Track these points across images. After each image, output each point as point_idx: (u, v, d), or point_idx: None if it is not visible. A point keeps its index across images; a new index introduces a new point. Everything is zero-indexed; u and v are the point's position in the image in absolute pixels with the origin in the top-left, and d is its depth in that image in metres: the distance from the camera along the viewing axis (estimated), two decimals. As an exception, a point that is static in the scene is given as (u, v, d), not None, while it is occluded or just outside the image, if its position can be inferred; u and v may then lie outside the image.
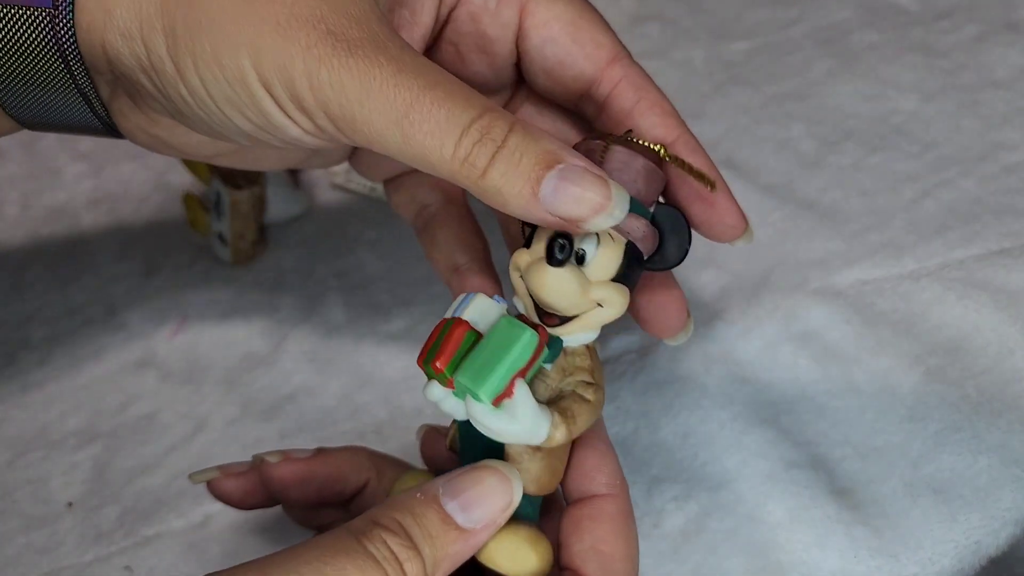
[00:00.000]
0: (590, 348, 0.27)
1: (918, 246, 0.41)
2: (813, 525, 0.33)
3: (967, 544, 0.32)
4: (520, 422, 0.24)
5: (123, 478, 0.38)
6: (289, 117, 0.24)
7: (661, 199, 0.28)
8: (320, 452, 0.31)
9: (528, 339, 0.24)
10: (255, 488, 0.31)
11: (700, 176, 0.27)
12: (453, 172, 0.23)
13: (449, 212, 0.32)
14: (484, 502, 0.24)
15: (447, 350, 0.25)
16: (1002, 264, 0.39)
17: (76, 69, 0.26)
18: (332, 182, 0.50)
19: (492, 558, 0.25)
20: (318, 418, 0.40)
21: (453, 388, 0.25)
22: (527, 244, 0.26)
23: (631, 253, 0.26)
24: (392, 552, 0.23)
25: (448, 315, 0.26)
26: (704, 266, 0.42)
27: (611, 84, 0.29)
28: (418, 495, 0.24)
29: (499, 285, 0.31)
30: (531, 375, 0.25)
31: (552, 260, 0.24)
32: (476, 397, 0.24)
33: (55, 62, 0.26)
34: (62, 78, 0.26)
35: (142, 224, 0.49)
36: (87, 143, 0.54)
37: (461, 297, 0.27)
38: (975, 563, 0.32)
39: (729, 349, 0.38)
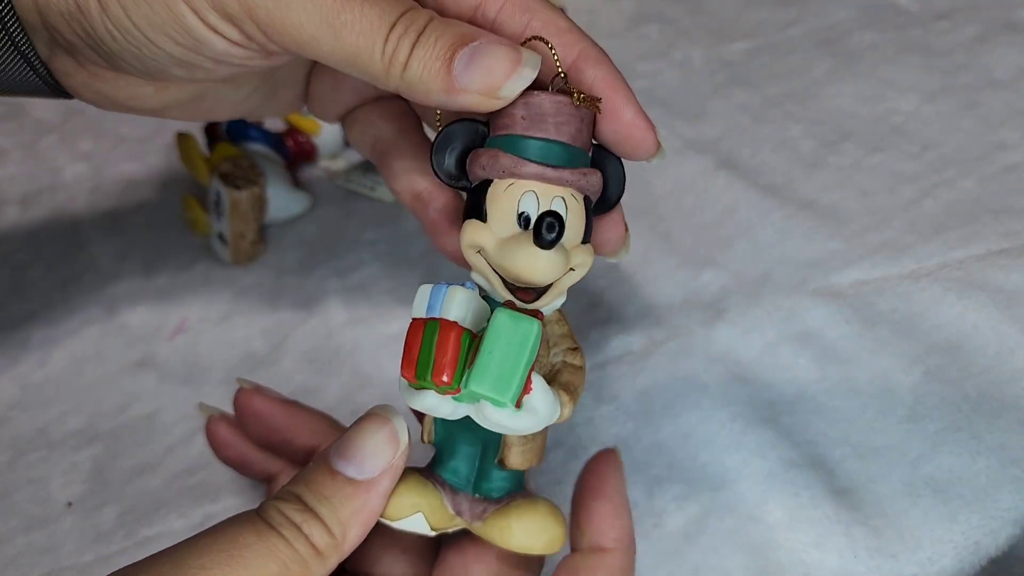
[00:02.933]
0: (562, 312, 0.26)
1: (917, 246, 0.41)
2: (813, 525, 0.33)
3: (966, 544, 0.32)
4: (539, 414, 0.24)
5: (123, 478, 0.38)
6: (213, 29, 0.25)
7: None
8: (292, 402, 0.32)
9: (537, 331, 0.23)
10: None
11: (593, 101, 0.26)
12: (383, 70, 0.24)
13: (403, 141, 0.32)
14: (374, 450, 0.24)
15: (448, 360, 0.23)
16: (1001, 264, 0.39)
17: (13, 29, 0.26)
18: (333, 181, 0.50)
19: (520, 541, 0.25)
20: (318, 418, 0.40)
21: (455, 394, 0.24)
22: (475, 215, 0.25)
23: (587, 207, 0.26)
24: (287, 518, 0.23)
25: (421, 314, 0.24)
26: (704, 266, 0.42)
27: (496, 7, 0.27)
28: (311, 461, 0.25)
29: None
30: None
31: (543, 243, 0.23)
32: (499, 404, 0.23)
33: None
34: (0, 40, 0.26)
35: (142, 224, 0.49)
36: (87, 143, 0.54)
37: (427, 290, 0.24)
38: (975, 563, 0.32)
39: (729, 349, 0.38)
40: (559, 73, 0.25)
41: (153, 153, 0.53)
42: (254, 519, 0.24)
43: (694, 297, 0.41)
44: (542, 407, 0.24)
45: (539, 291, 0.25)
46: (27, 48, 0.27)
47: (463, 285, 0.24)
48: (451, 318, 0.23)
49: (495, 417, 0.24)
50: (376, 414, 0.25)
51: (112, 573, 0.23)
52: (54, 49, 0.28)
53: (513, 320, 0.23)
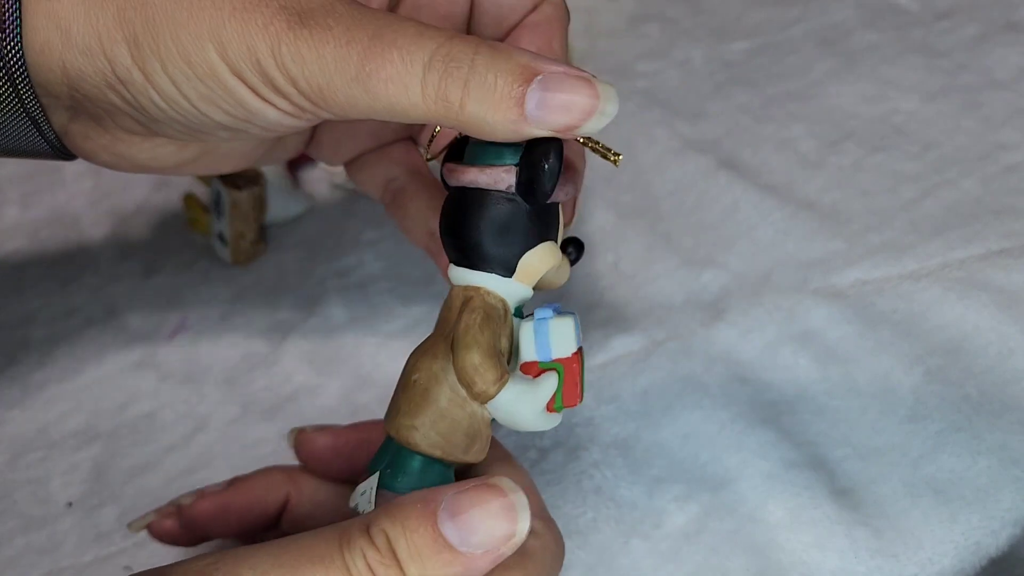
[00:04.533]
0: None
1: (918, 246, 0.41)
2: (813, 525, 0.33)
3: (967, 544, 0.32)
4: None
5: (123, 478, 0.38)
6: (265, 100, 0.24)
7: None
8: (233, 482, 0.31)
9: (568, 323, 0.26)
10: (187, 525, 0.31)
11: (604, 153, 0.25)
12: (429, 113, 0.22)
13: (416, 182, 0.32)
14: (484, 528, 0.23)
15: (578, 391, 0.26)
16: (1002, 264, 0.39)
17: (25, 94, 0.25)
18: (332, 182, 0.50)
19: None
20: (318, 418, 0.40)
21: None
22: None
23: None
24: (370, 569, 0.22)
25: (532, 356, 0.25)
26: (704, 266, 0.42)
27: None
28: (419, 503, 0.23)
29: None
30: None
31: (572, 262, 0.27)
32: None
33: (3, 86, 0.25)
34: (10, 103, 0.25)
35: (142, 224, 0.49)
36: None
37: (533, 326, 0.25)
38: (975, 563, 0.32)
39: (730, 349, 0.38)
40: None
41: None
42: (333, 555, 0.22)
43: (695, 297, 0.41)
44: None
45: None
46: (39, 116, 0.26)
47: (553, 311, 0.26)
48: (569, 353, 0.25)
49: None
50: (503, 494, 0.23)
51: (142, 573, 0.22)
52: (75, 115, 0.27)
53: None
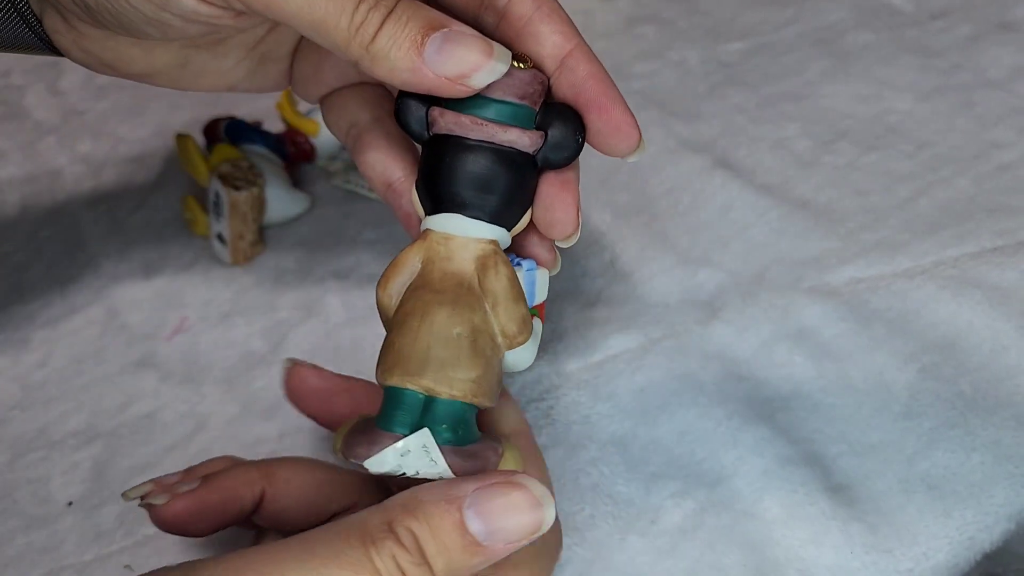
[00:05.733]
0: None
1: (912, 244, 0.41)
2: (809, 521, 0.33)
3: (961, 540, 0.32)
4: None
5: (123, 478, 0.38)
6: None
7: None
8: (206, 479, 0.31)
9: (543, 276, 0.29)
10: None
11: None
12: (347, 40, 0.24)
13: (378, 129, 0.32)
14: (511, 523, 0.23)
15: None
16: (996, 262, 0.39)
17: None
18: (332, 182, 0.50)
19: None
20: (317, 417, 0.40)
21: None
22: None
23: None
24: (400, 570, 0.22)
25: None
26: (700, 265, 0.42)
27: None
28: (443, 501, 0.23)
29: None
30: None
31: None
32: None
33: None
34: None
35: (142, 224, 0.49)
36: (87, 144, 0.54)
37: (523, 276, 0.27)
38: (970, 558, 0.32)
39: (725, 347, 0.39)
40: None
41: (153, 154, 0.54)
42: (360, 557, 0.22)
43: (690, 296, 0.41)
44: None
45: None
46: (25, 9, 0.28)
47: (522, 266, 0.28)
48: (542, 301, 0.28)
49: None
50: (528, 490, 0.24)
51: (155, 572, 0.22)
52: (44, 7, 0.28)
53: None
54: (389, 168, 0.31)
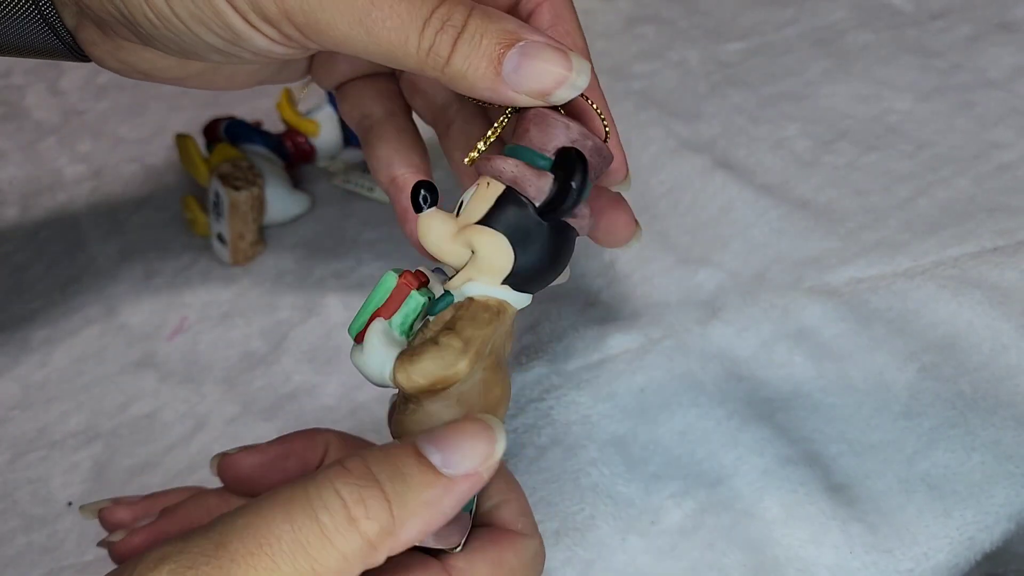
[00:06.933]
0: (467, 302, 0.26)
1: (912, 244, 0.41)
2: (809, 521, 0.33)
3: (961, 539, 0.32)
4: (367, 356, 0.26)
5: (123, 478, 0.38)
6: (255, 28, 0.25)
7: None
8: (164, 512, 0.30)
9: (385, 281, 0.26)
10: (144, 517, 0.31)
11: (600, 117, 0.27)
12: (420, 64, 0.24)
13: (389, 124, 0.32)
14: (464, 448, 0.23)
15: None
16: (996, 262, 0.39)
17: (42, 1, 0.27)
18: (332, 182, 0.50)
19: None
20: (318, 417, 0.40)
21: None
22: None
23: (509, 198, 0.25)
24: (341, 498, 0.22)
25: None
26: (700, 265, 0.43)
27: (536, 2, 0.28)
28: (392, 443, 0.23)
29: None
30: (406, 321, 0.26)
31: (417, 208, 0.26)
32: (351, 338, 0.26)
33: None
34: (25, 6, 0.27)
35: (142, 225, 0.49)
36: (87, 144, 0.54)
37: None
38: (969, 558, 0.32)
39: (725, 347, 0.39)
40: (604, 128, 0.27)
41: (153, 154, 0.54)
42: (303, 505, 0.21)
43: (690, 295, 0.41)
44: (369, 349, 0.26)
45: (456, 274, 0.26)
46: (52, 16, 0.28)
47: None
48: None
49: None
50: (478, 418, 0.24)
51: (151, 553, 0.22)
52: (82, 20, 0.28)
53: (384, 274, 0.26)
54: (396, 163, 0.31)
